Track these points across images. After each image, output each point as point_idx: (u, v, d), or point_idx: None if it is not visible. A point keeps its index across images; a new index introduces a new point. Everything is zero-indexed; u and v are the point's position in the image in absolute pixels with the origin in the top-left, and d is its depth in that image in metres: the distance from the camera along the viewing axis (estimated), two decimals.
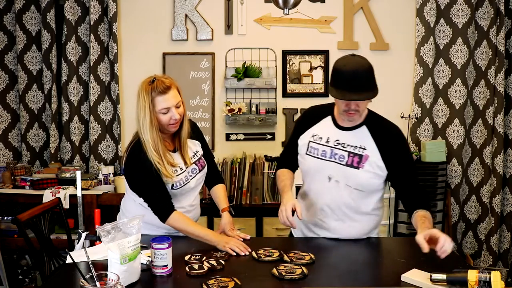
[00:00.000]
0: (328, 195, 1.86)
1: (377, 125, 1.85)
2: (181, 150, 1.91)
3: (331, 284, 1.45)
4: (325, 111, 1.94)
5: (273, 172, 3.21)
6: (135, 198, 1.92)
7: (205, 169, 2.01)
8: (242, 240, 1.80)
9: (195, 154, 1.98)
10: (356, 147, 1.82)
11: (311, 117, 1.96)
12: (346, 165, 1.82)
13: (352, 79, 1.68)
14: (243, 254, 1.61)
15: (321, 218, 1.91)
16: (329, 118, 1.91)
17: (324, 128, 1.90)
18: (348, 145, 1.83)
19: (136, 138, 1.86)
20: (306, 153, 1.91)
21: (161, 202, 1.83)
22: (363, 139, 1.82)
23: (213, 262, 1.60)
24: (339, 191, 1.84)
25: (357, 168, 1.80)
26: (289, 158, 2.03)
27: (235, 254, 1.65)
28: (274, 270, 1.52)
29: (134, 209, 1.92)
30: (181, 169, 1.89)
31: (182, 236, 1.85)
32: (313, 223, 1.94)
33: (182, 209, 1.91)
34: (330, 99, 3.59)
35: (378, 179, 1.83)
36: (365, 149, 1.81)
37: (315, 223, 1.93)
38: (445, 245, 1.47)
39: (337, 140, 1.85)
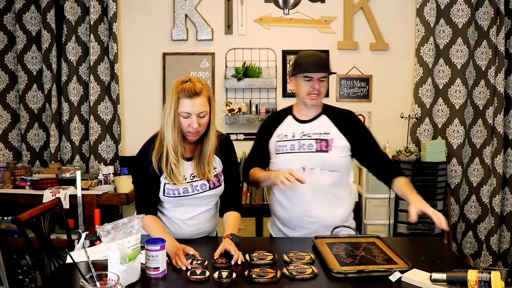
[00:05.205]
0: (306, 184, 1.92)
1: (334, 113, 2.06)
2: (199, 162, 1.83)
3: (341, 283, 1.45)
4: (284, 113, 2.12)
5: None
6: None
7: (219, 189, 1.89)
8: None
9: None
10: (320, 133, 2.00)
11: (273, 121, 2.12)
12: (316, 151, 1.97)
13: (314, 59, 1.97)
14: (178, 267, 1.54)
15: (306, 213, 1.98)
16: (289, 117, 2.09)
17: (287, 126, 2.07)
18: (313, 134, 2.00)
19: (156, 133, 1.84)
20: (276, 153, 2.04)
21: (141, 201, 1.85)
22: (324, 125, 2.02)
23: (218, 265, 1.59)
24: (316, 178, 1.96)
25: (326, 151, 1.96)
26: (256, 162, 2.12)
27: (178, 266, 1.56)
28: (285, 270, 1.52)
29: None
30: (184, 178, 1.82)
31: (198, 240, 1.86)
32: (298, 220, 2.01)
33: (178, 220, 1.88)
34: (330, 99, 3.59)
35: (347, 158, 2.01)
36: (329, 133, 1.99)
37: (302, 221, 2.00)
38: (441, 220, 1.63)
39: (302, 132, 2.02)
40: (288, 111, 2.12)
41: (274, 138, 2.06)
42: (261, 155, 2.11)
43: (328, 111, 2.07)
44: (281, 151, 2.02)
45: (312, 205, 1.98)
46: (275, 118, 2.12)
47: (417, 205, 1.70)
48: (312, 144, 1.98)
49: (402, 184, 1.88)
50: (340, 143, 1.98)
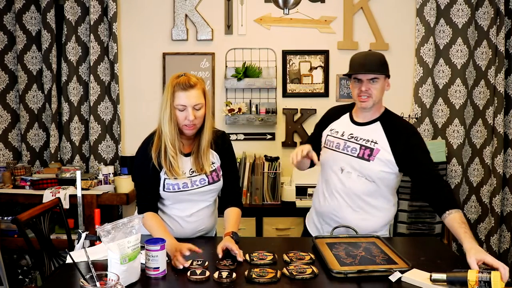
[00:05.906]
0: (340, 185, 1.95)
1: (391, 122, 1.96)
2: (197, 157, 1.84)
3: (341, 283, 1.45)
4: (345, 109, 2.09)
5: (273, 172, 3.21)
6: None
7: (218, 184, 1.91)
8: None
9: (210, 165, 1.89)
10: (368, 140, 1.93)
11: (333, 114, 2.11)
12: (358, 157, 1.92)
13: (363, 60, 1.90)
14: (179, 267, 1.55)
15: (335, 212, 1.97)
16: (347, 115, 2.06)
17: (341, 123, 2.05)
18: (360, 139, 1.94)
19: (154, 130, 1.87)
20: (324, 146, 2.05)
21: (142, 198, 1.86)
22: (375, 133, 1.93)
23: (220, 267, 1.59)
24: (352, 182, 1.93)
25: (368, 160, 1.90)
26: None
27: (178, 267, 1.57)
28: (285, 270, 1.52)
29: None
30: (183, 173, 1.84)
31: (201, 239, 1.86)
32: (328, 217, 2.01)
33: (178, 217, 1.89)
34: (330, 99, 3.59)
35: (389, 173, 1.91)
36: (376, 143, 1.91)
37: (330, 218, 2.00)
38: (507, 273, 1.43)
39: (351, 133, 1.97)
40: (348, 108, 2.08)
41: (327, 131, 2.06)
42: (314, 143, 2.07)
43: (385, 118, 1.96)
44: (327, 146, 2.02)
45: (342, 207, 1.96)
46: (335, 112, 2.11)
47: (477, 256, 1.50)
48: (356, 148, 1.93)
49: (456, 223, 1.67)
50: (385, 156, 1.88)
